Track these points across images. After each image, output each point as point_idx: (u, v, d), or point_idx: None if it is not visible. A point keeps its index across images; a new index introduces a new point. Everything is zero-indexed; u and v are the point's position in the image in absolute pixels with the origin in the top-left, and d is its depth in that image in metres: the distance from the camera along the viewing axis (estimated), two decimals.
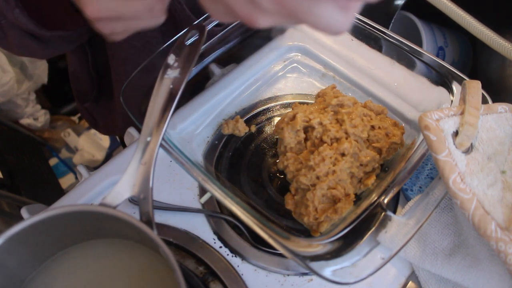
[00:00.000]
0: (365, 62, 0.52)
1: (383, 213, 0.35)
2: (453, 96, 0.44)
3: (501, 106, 0.38)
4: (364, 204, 0.37)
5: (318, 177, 0.40)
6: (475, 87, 0.37)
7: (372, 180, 0.42)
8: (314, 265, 0.31)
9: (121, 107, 0.63)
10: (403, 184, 0.38)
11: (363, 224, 0.35)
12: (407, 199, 0.46)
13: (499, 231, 0.32)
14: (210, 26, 0.47)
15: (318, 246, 0.34)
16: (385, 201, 0.36)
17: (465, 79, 0.42)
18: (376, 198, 0.37)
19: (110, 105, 0.67)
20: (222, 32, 0.50)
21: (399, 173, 0.39)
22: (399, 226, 0.34)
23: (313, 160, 0.41)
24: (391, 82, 0.51)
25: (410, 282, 0.41)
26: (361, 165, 0.42)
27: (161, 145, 0.34)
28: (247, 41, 0.53)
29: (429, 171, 0.46)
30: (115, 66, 0.58)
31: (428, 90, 0.46)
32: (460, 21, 0.47)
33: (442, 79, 0.45)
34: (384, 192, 0.37)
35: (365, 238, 0.34)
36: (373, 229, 0.34)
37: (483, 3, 0.51)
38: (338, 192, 0.40)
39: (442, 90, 0.45)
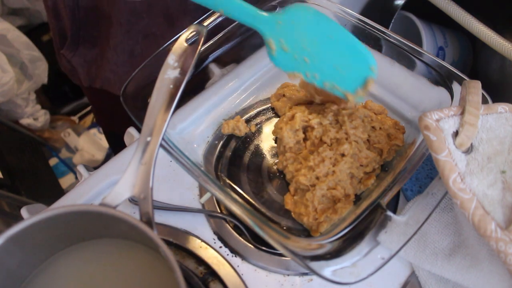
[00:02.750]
0: None
1: (383, 213, 0.35)
2: (453, 96, 0.44)
3: (501, 106, 0.38)
4: (364, 204, 0.37)
5: (317, 178, 0.40)
6: (475, 87, 0.37)
7: (372, 181, 0.42)
8: (314, 265, 0.31)
9: (112, 53, 0.58)
10: (403, 184, 0.38)
11: (363, 224, 0.35)
12: (407, 199, 0.46)
13: (499, 231, 0.32)
14: (210, 26, 0.47)
15: (318, 246, 0.34)
16: (385, 201, 0.36)
17: (465, 79, 0.42)
18: (376, 198, 0.37)
19: (93, 54, 0.63)
20: (222, 32, 0.50)
21: (399, 173, 0.39)
22: (399, 226, 0.34)
23: (313, 161, 0.41)
24: (391, 82, 0.51)
25: (410, 282, 0.41)
26: (361, 165, 0.42)
27: (161, 145, 0.34)
28: (247, 41, 0.53)
29: (429, 171, 0.46)
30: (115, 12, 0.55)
31: (428, 90, 0.46)
32: (460, 21, 0.47)
33: (442, 79, 0.45)
34: (384, 192, 0.37)
35: (365, 238, 0.34)
36: (373, 229, 0.34)
37: (483, 3, 0.51)
38: (337, 192, 0.40)
39: (442, 90, 0.45)
